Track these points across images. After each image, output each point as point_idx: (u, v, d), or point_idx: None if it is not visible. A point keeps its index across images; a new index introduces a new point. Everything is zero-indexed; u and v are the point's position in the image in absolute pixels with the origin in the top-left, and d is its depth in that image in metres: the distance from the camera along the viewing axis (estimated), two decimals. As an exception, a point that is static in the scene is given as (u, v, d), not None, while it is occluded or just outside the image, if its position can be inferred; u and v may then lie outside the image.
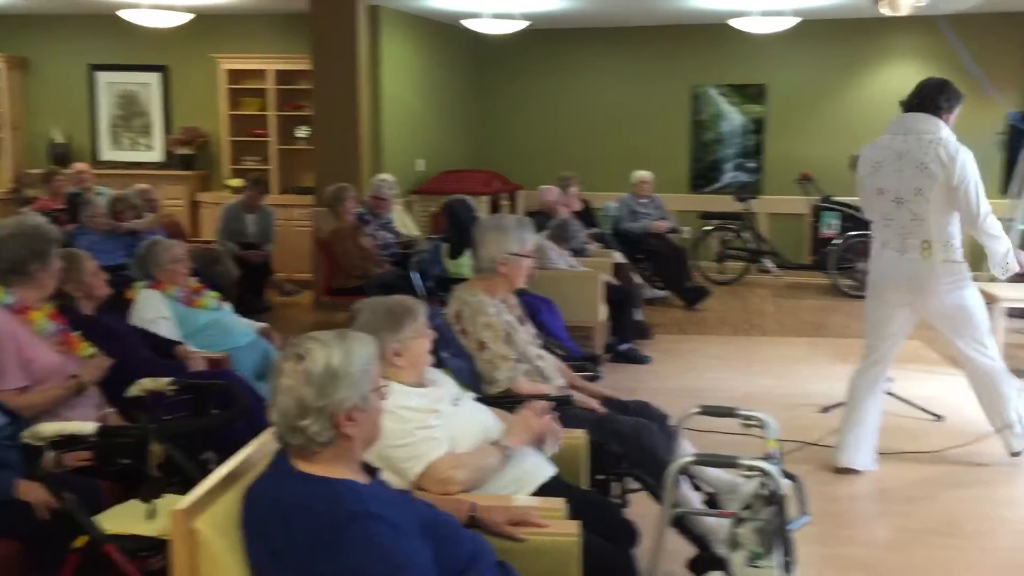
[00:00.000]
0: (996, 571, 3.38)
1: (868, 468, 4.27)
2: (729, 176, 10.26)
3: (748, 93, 10.11)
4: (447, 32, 9.75)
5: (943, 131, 4.00)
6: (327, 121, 7.78)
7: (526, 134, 10.67)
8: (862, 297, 8.38)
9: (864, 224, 8.52)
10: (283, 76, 9.26)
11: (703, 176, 10.33)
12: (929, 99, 4.03)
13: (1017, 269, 4.07)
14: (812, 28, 9.33)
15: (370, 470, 2.02)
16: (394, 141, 8.79)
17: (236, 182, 8.80)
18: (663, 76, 10.27)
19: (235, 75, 9.37)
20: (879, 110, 9.71)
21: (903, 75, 9.66)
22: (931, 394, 5.36)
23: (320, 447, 1.87)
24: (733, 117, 10.20)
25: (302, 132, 9.22)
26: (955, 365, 5.89)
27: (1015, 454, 4.32)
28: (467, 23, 8.59)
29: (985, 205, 3.96)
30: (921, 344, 6.83)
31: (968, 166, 3.92)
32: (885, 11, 5.28)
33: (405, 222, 7.76)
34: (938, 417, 5.02)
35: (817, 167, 9.28)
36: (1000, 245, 4.03)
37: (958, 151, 3.92)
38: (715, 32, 9.55)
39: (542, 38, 10.28)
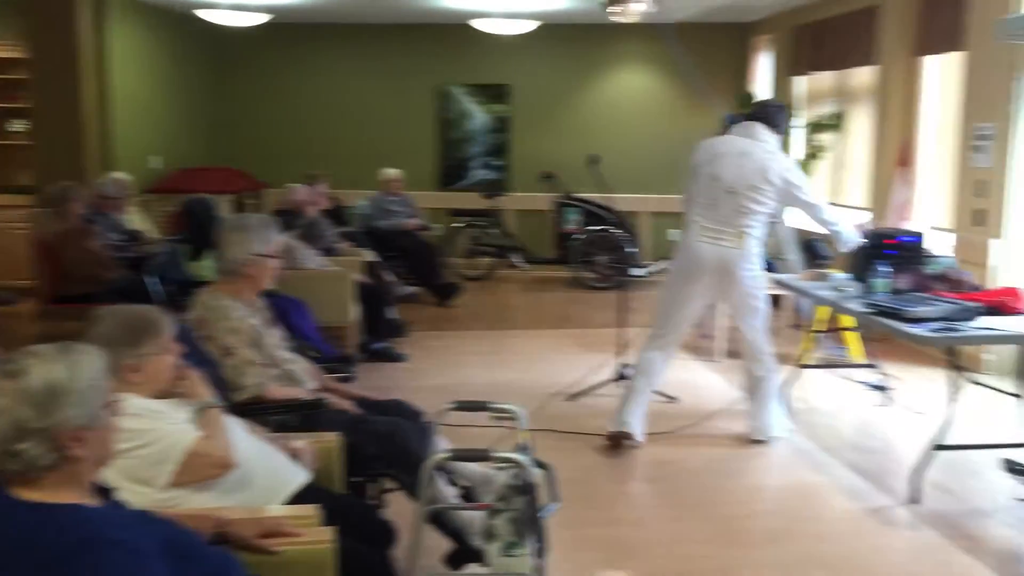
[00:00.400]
0: (724, 538, 3.67)
1: (640, 439, 4.57)
2: (476, 174, 10.48)
3: (492, 93, 10.37)
4: (184, 23, 9.26)
5: (777, 145, 4.51)
6: (47, 115, 7.15)
7: (272, 131, 10.36)
8: (603, 288, 8.97)
9: (602, 219, 9.09)
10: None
11: (451, 174, 10.49)
12: (771, 116, 4.53)
13: (858, 240, 4.61)
14: (551, 32, 9.73)
15: (103, 491, 1.86)
16: (126, 137, 8.22)
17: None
18: (409, 74, 10.32)
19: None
20: (614, 111, 10.33)
21: (634, 78, 10.32)
22: (664, 378, 5.73)
23: (43, 471, 1.70)
24: (479, 116, 10.43)
25: (17, 126, 8.42)
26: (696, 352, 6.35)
27: (757, 441, 4.71)
28: (203, 14, 8.20)
29: (821, 200, 4.54)
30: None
31: (801, 177, 4.49)
32: (616, 18, 5.60)
33: (141, 223, 7.28)
34: (672, 399, 5.37)
35: (559, 165, 9.68)
36: (843, 227, 4.59)
37: (791, 166, 4.46)
38: (459, 32, 9.72)
39: (286, 32, 10.02)
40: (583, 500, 3.96)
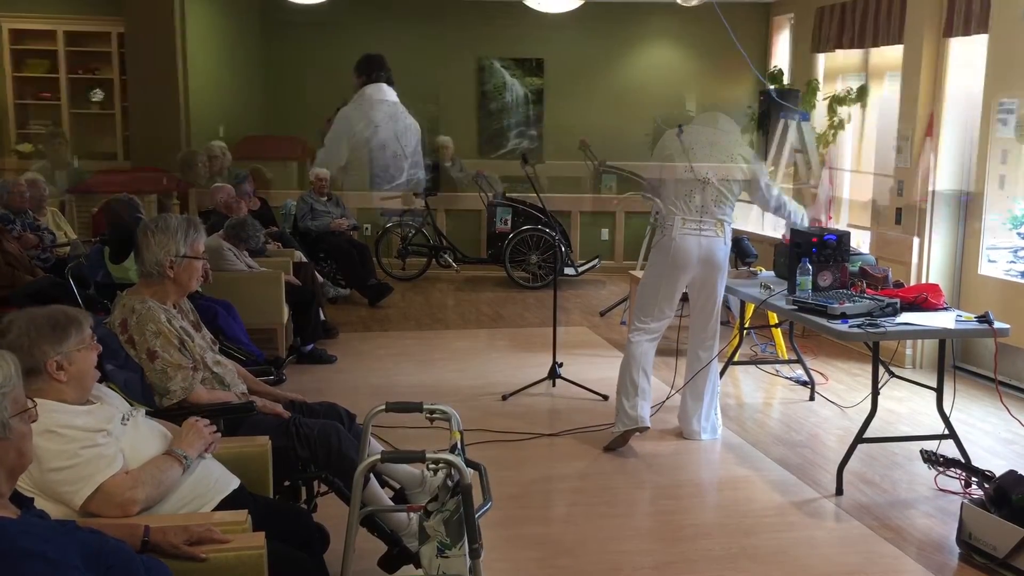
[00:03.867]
0: (655, 534, 3.71)
1: (647, 423, 4.57)
2: (407, 173, 10.38)
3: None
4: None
5: (740, 133, 4.72)
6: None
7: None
8: (534, 288, 8.98)
9: (533, 219, 9.10)
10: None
11: (383, 171, 10.38)
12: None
13: (805, 220, 4.80)
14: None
15: (20, 502, 1.80)
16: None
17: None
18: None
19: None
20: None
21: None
22: (596, 376, 5.77)
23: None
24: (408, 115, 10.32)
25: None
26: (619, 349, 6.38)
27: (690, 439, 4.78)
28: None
29: (776, 190, 4.69)
30: (586, 329, 7.36)
31: (763, 166, 4.70)
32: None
33: (59, 223, 7.06)
34: (604, 397, 5.40)
35: (494, 168, 9.65)
36: (796, 211, 4.75)
37: (755, 154, 4.63)
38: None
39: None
40: (516, 499, 3.97)
